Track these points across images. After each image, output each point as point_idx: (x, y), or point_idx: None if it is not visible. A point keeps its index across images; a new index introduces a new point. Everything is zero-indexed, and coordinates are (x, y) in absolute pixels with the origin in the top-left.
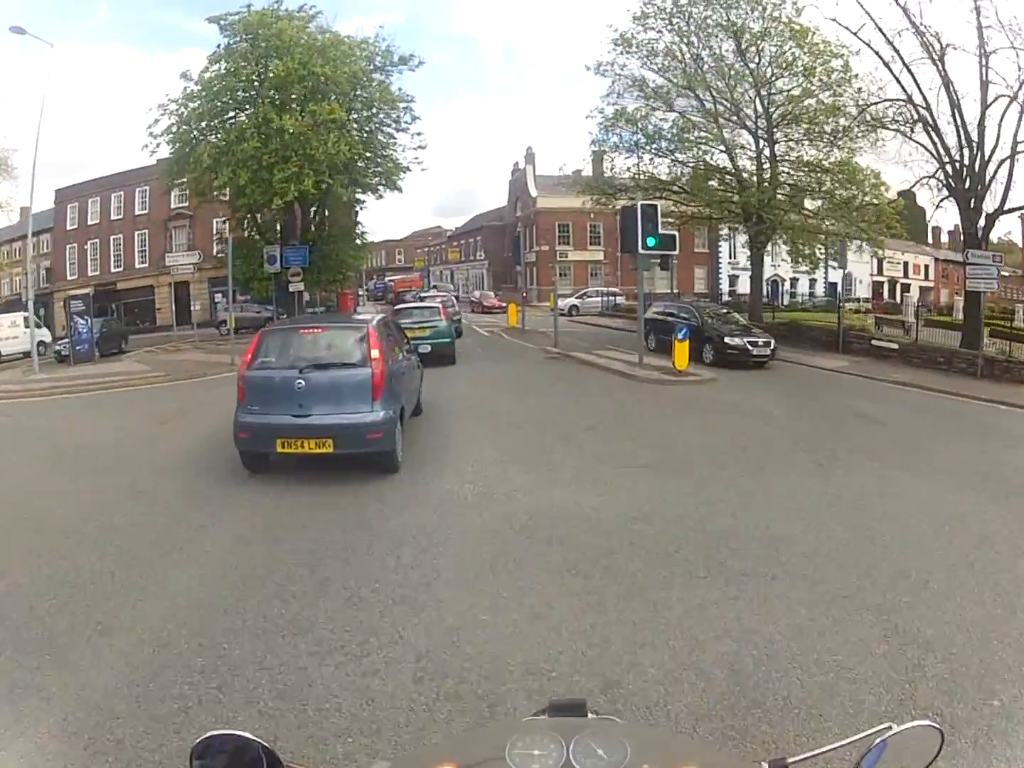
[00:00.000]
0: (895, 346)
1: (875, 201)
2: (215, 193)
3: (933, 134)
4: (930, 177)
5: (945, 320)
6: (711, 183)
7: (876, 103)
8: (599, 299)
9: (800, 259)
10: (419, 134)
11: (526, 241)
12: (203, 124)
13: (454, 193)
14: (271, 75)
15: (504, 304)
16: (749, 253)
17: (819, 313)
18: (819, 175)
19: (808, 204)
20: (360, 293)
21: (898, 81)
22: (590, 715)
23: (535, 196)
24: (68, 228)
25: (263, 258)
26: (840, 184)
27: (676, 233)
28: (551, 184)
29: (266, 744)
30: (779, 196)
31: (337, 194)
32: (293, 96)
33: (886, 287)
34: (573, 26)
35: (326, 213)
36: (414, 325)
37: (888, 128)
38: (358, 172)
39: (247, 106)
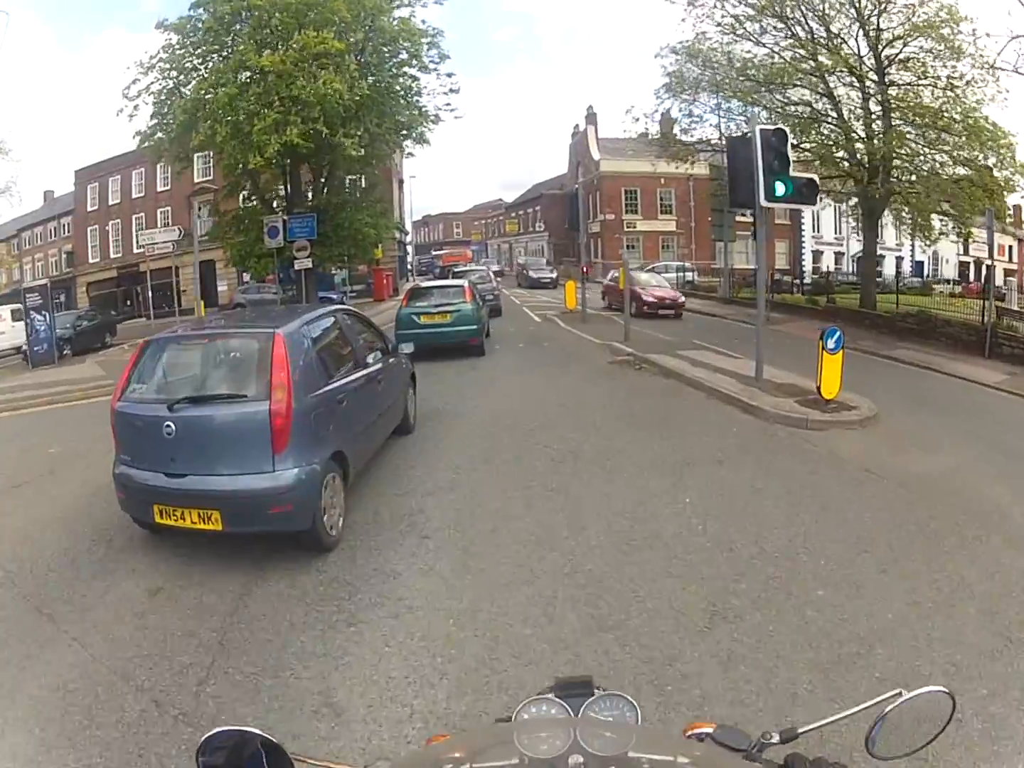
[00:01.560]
0: None
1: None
2: (193, 155)
3: None
4: None
5: None
6: (814, 132)
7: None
8: (670, 275)
9: (919, 231)
10: (450, 75)
11: (589, 210)
12: (179, 77)
13: (521, 170)
14: (250, 2)
15: (553, 276)
16: (860, 223)
17: (912, 296)
18: (939, 130)
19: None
20: (408, 268)
21: None
22: (596, 691)
23: (598, 159)
24: (89, 210)
25: (262, 231)
26: (965, 142)
27: (816, 177)
28: (616, 147)
29: (268, 736)
30: (898, 152)
31: (337, 146)
32: (277, 26)
33: (972, 268)
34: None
35: (337, 175)
36: (432, 309)
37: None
38: (371, 121)
39: (226, 50)
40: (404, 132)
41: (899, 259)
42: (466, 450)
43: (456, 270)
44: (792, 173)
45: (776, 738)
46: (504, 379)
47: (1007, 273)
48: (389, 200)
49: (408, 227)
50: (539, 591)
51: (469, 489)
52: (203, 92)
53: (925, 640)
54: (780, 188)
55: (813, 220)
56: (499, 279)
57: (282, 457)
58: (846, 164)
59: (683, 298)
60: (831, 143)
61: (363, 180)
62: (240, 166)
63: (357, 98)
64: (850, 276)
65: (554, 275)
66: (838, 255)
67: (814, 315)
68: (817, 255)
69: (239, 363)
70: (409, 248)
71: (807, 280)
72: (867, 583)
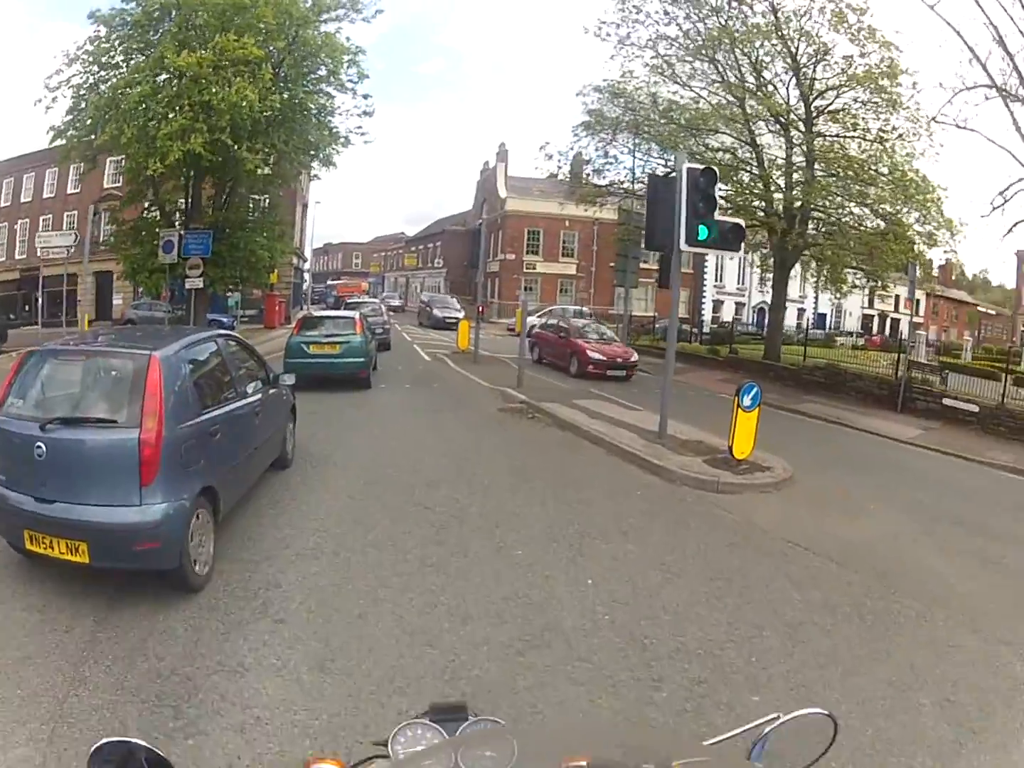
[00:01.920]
0: (975, 408)
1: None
2: (100, 158)
3: None
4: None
5: (975, 365)
6: (733, 180)
7: (961, 91)
8: None
9: (830, 285)
10: (367, 96)
11: (490, 248)
12: (100, 73)
13: (427, 205)
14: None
15: (460, 316)
16: (771, 274)
17: (816, 348)
18: (863, 183)
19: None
20: (303, 295)
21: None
22: (471, 716)
23: (504, 197)
24: (1, 205)
25: (157, 244)
26: (889, 195)
27: (742, 222)
28: (524, 186)
29: (154, 749)
30: (817, 204)
31: (241, 160)
32: (201, 26)
33: (876, 321)
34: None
35: (239, 192)
36: (322, 339)
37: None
38: (278, 137)
39: (151, 48)
40: (312, 152)
41: (801, 311)
42: (338, 507)
43: (349, 301)
44: (717, 217)
45: None
46: (388, 422)
47: (915, 326)
48: (290, 223)
49: (308, 254)
50: (412, 703)
51: (336, 558)
52: (118, 91)
53: (881, 742)
54: (704, 232)
55: (716, 269)
56: (391, 314)
57: (150, 490)
58: (761, 214)
59: (635, 355)
60: (748, 191)
61: (265, 200)
62: (142, 173)
63: (267, 113)
64: (750, 327)
65: (461, 315)
66: (739, 305)
67: (715, 365)
68: (718, 304)
69: (114, 385)
70: (307, 275)
71: (706, 329)
72: (808, 682)
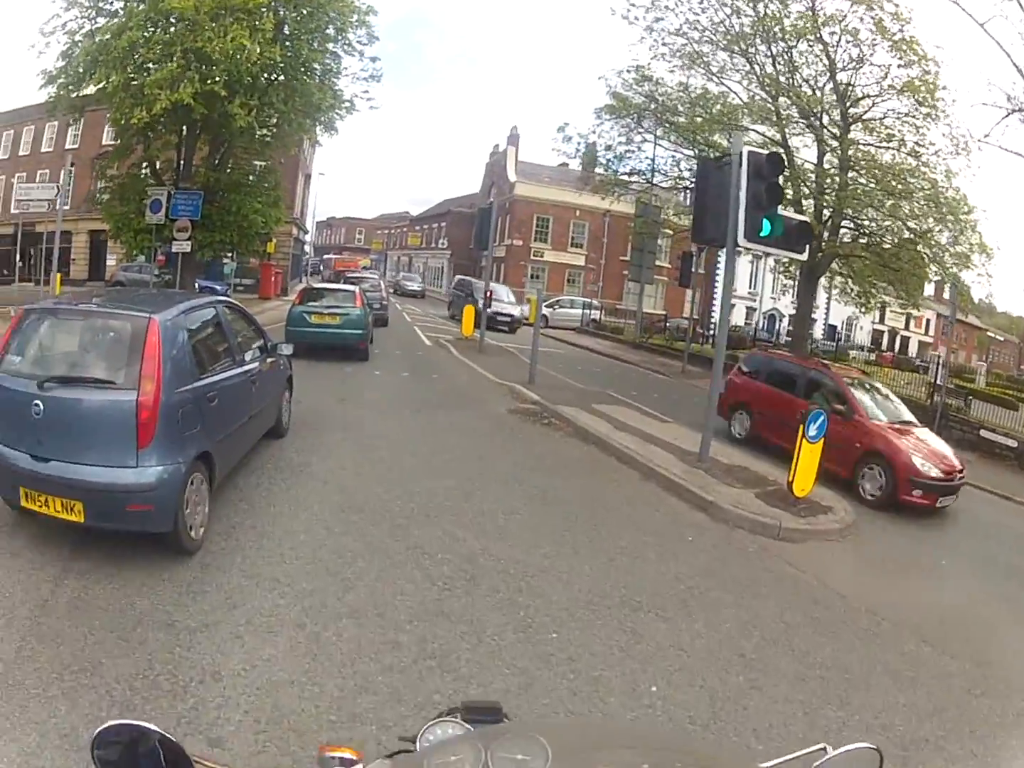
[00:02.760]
0: (1013, 443)
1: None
2: (84, 108)
3: None
4: None
5: (991, 391)
6: None
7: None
8: (575, 311)
9: (857, 298)
10: (375, 60)
11: (497, 232)
12: (97, 19)
13: (433, 188)
14: None
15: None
16: (797, 283)
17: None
18: (898, 196)
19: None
20: (304, 268)
21: None
22: (505, 720)
23: (513, 181)
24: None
25: (145, 203)
26: (923, 211)
27: (809, 219)
28: (533, 172)
29: (166, 734)
30: (848, 213)
31: (234, 115)
32: None
33: (886, 336)
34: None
35: (234, 152)
36: (323, 310)
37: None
38: (276, 95)
39: None
40: (314, 115)
41: (812, 321)
42: (306, 553)
43: (349, 276)
44: (782, 211)
45: None
46: (379, 423)
47: (923, 346)
48: (288, 191)
49: (310, 226)
50: None
51: (294, 653)
52: (109, 36)
53: None
54: (767, 227)
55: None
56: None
57: (146, 452)
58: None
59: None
60: None
61: (261, 166)
62: (129, 125)
63: (266, 64)
64: (763, 333)
65: (517, 312)
66: (750, 310)
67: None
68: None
69: (113, 346)
70: (309, 248)
71: (712, 332)
72: None
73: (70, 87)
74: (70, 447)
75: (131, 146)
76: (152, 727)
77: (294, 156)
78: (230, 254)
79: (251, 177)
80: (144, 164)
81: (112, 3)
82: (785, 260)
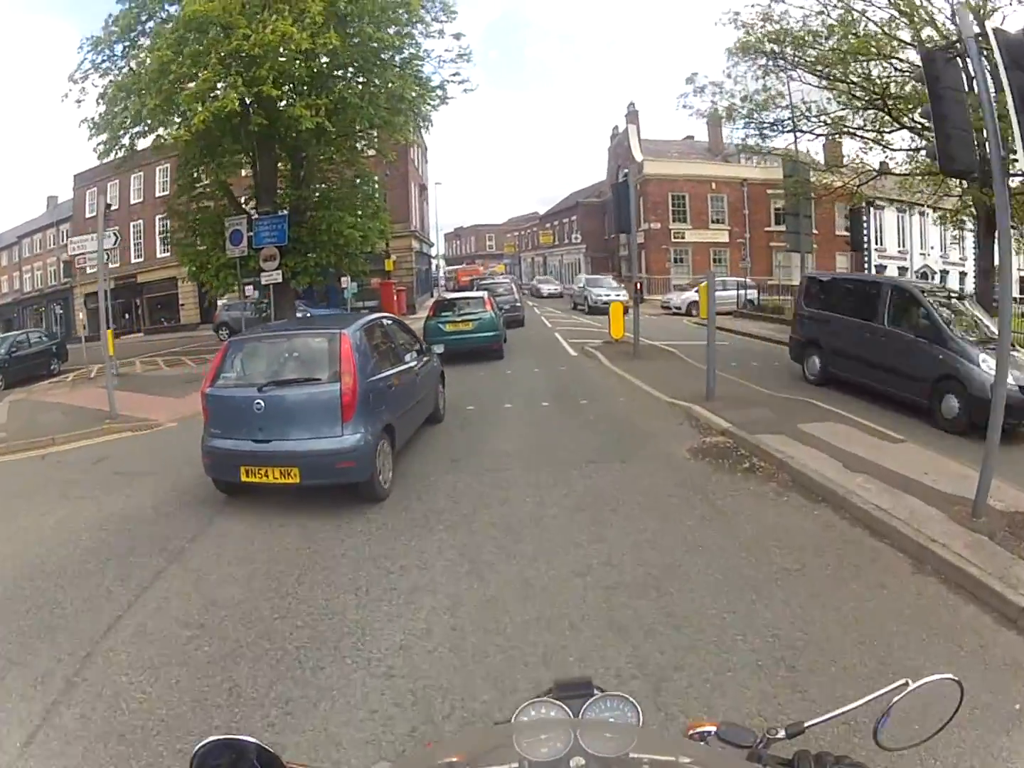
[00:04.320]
0: None
1: None
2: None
3: None
4: None
5: None
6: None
7: None
8: (727, 293)
9: None
10: (458, 36)
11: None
12: (123, 48)
13: (559, 185)
14: None
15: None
16: (975, 234)
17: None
18: None
19: None
20: (434, 282)
21: None
22: (596, 692)
23: (640, 160)
24: (87, 216)
25: (224, 236)
26: None
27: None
28: (659, 149)
29: (264, 746)
30: None
31: (299, 117)
32: None
33: None
34: None
35: (319, 164)
36: (456, 318)
37: None
38: (345, 88)
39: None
40: (403, 109)
41: (962, 275)
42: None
43: (483, 283)
44: None
45: (782, 733)
46: (503, 492)
47: None
48: (403, 203)
49: (436, 239)
50: None
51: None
52: (139, 62)
53: None
54: None
55: (876, 231)
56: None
57: (348, 425)
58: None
59: None
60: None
61: (355, 175)
62: (175, 145)
63: (323, 50)
64: None
65: (558, 288)
66: (901, 270)
67: None
68: (880, 270)
69: (312, 356)
70: (439, 261)
71: None
72: None
73: (119, 130)
74: (286, 429)
75: (193, 176)
76: (250, 739)
77: (402, 167)
78: (345, 276)
79: (342, 189)
80: (220, 194)
81: (143, 28)
82: (948, 210)
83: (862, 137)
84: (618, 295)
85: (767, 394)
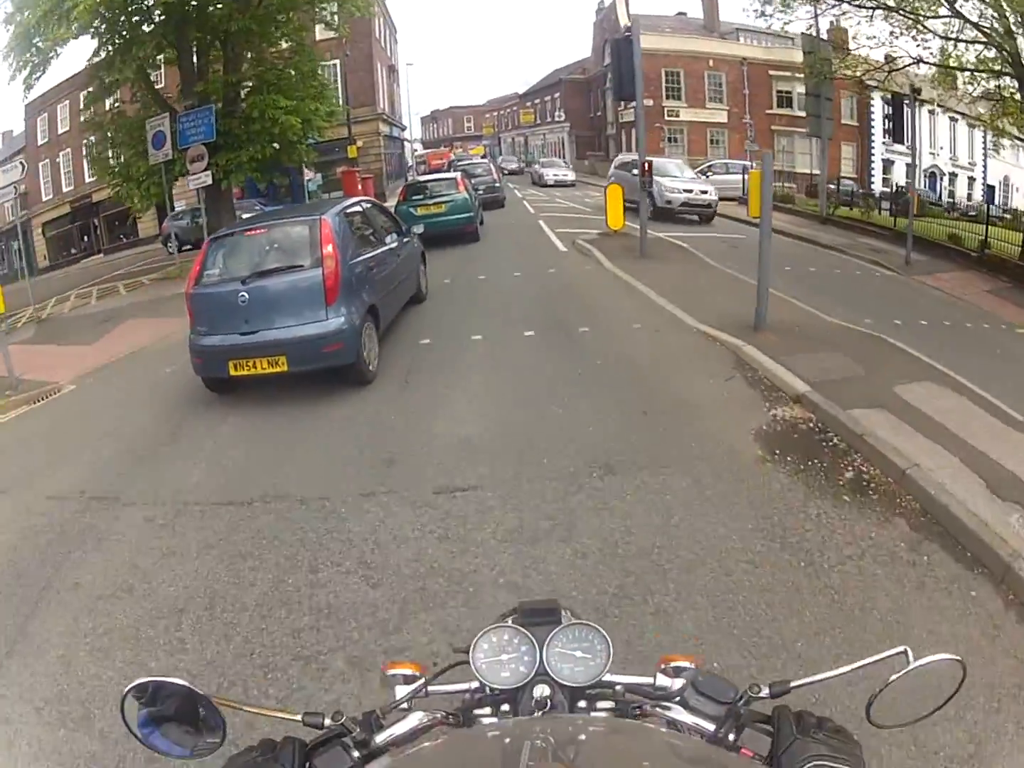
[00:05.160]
0: None
1: None
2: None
3: None
4: None
5: None
6: None
7: None
8: (732, 176)
9: None
10: None
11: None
12: None
13: (543, 66)
14: None
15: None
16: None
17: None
18: None
19: None
20: (409, 168)
21: None
22: (564, 619)
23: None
24: (39, 143)
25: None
26: None
27: None
28: (650, 23)
29: (193, 687)
30: None
31: None
32: None
33: None
34: None
35: (250, 45)
36: (428, 201)
37: None
38: None
39: None
40: None
41: (971, 180)
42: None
43: (460, 164)
44: None
45: (765, 692)
46: (460, 525)
47: None
48: (366, 84)
49: (409, 122)
50: None
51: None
52: None
53: None
54: None
55: (883, 122)
56: (506, 175)
57: (332, 308)
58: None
59: None
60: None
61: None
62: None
63: None
64: (931, 195)
65: (571, 176)
66: (909, 167)
67: (964, 261)
68: (887, 165)
69: (293, 244)
70: (414, 145)
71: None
72: None
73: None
74: (272, 318)
75: (105, 80)
76: (178, 680)
77: (365, 46)
78: (257, 174)
79: (279, 70)
80: (141, 96)
81: None
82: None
83: (901, 13)
84: (565, 175)
85: (828, 322)
